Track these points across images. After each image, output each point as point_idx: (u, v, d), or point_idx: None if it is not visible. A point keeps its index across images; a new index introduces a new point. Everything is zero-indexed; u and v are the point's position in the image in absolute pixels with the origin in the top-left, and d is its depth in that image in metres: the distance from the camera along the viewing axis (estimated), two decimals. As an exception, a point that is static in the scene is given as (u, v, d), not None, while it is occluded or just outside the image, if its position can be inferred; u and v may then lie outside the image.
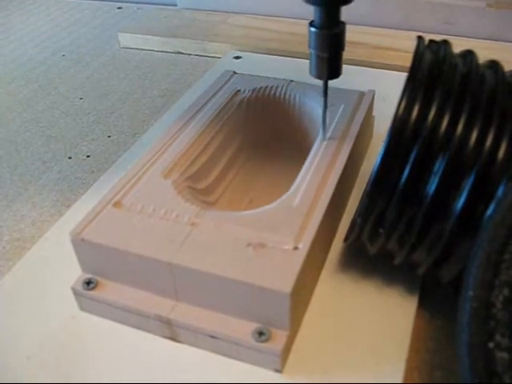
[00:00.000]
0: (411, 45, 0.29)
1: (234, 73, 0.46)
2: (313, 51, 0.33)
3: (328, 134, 0.37)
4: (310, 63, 0.34)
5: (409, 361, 0.29)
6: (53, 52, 0.70)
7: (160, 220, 0.31)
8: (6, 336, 0.32)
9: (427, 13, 0.67)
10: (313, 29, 0.32)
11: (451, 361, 0.30)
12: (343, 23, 0.32)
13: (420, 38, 0.30)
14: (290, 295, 0.26)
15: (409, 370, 0.29)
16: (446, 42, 0.31)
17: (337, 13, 0.31)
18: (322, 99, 0.36)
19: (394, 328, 0.31)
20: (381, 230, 0.29)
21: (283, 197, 0.32)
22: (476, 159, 0.26)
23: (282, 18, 0.73)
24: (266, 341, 0.28)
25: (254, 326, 0.29)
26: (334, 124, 0.39)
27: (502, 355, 0.20)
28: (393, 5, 0.68)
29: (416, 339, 0.31)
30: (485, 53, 0.32)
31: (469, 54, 0.30)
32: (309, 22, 0.32)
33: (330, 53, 0.33)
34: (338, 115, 0.39)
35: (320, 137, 0.37)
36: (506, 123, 0.26)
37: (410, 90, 0.27)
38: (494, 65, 0.30)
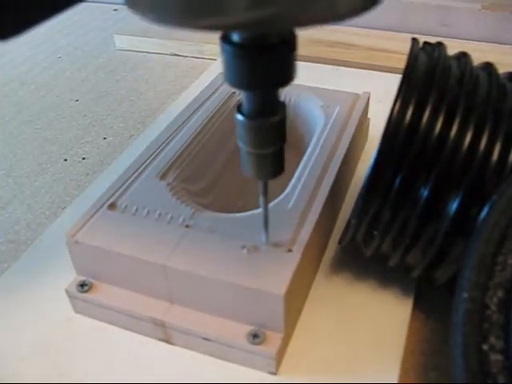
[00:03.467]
0: (407, 47, 0.29)
1: (230, 75, 0.46)
2: (244, 147, 0.24)
3: (269, 238, 0.29)
4: (242, 160, 0.25)
5: (404, 362, 0.29)
6: (48, 54, 0.70)
7: (154, 222, 0.31)
8: (0, 337, 0.31)
9: (423, 15, 0.67)
10: (241, 117, 0.23)
11: (446, 362, 0.30)
12: (283, 105, 0.24)
13: (414, 39, 0.30)
14: (284, 297, 0.26)
15: (404, 372, 0.29)
16: (440, 44, 0.31)
17: (277, 94, 0.23)
18: (260, 198, 0.27)
19: (389, 330, 0.31)
20: (375, 232, 0.29)
21: (277, 199, 0.32)
22: (470, 161, 0.26)
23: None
24: (261, 343, 0.28)
25: (249, 328, 0.29)
26: (329, 126, 0.39)
27: (497, 357, 0.20)
28: (389, 7, 0.68)
29: (411, 341, 0.31)
30: (480, 55, 0.32)
31: (463, 56, 0.30)
32: (236, 105, 0.24)
33: (270, 148, 0.24)
34: (333, 117, 0.39)
35: (262, 239, 0.29)
36: (500, 125, 0.26)
37: (404, 92, 0.27)
38: (488, 67, 0.30)
